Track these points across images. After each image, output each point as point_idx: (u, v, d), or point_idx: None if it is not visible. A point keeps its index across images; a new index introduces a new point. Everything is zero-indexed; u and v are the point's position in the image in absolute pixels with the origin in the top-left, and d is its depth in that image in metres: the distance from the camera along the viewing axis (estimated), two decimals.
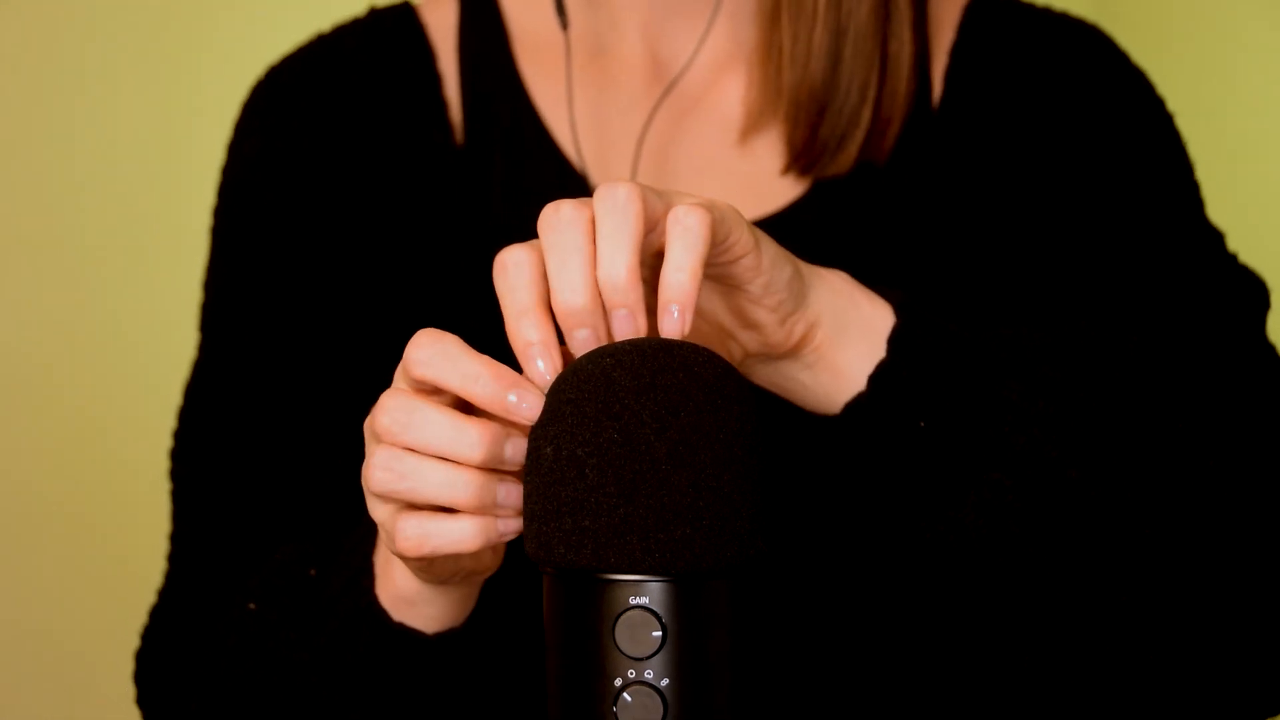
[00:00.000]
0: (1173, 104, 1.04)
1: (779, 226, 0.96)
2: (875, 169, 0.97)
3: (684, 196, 0.72)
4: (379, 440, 0.71)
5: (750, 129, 0.98)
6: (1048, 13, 1.02)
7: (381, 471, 0.71)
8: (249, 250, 0.98)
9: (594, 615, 0.65)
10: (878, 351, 0.80)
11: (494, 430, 0.69)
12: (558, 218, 0.70)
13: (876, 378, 0.79)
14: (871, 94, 0.95)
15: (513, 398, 0.68)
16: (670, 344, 0.68)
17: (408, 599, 0.80)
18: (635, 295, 0.69)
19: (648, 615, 0.64)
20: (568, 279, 0.69)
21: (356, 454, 0.95)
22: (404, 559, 0.74)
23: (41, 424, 1.88)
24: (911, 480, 0.82)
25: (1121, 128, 0.98)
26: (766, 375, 0.82)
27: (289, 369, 0.96)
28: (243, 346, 0.97)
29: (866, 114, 0.95)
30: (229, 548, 0.94)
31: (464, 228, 0.97)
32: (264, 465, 0.95)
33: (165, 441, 1.00)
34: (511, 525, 0.70)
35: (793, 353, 0.79)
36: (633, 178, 0.96)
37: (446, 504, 0.70)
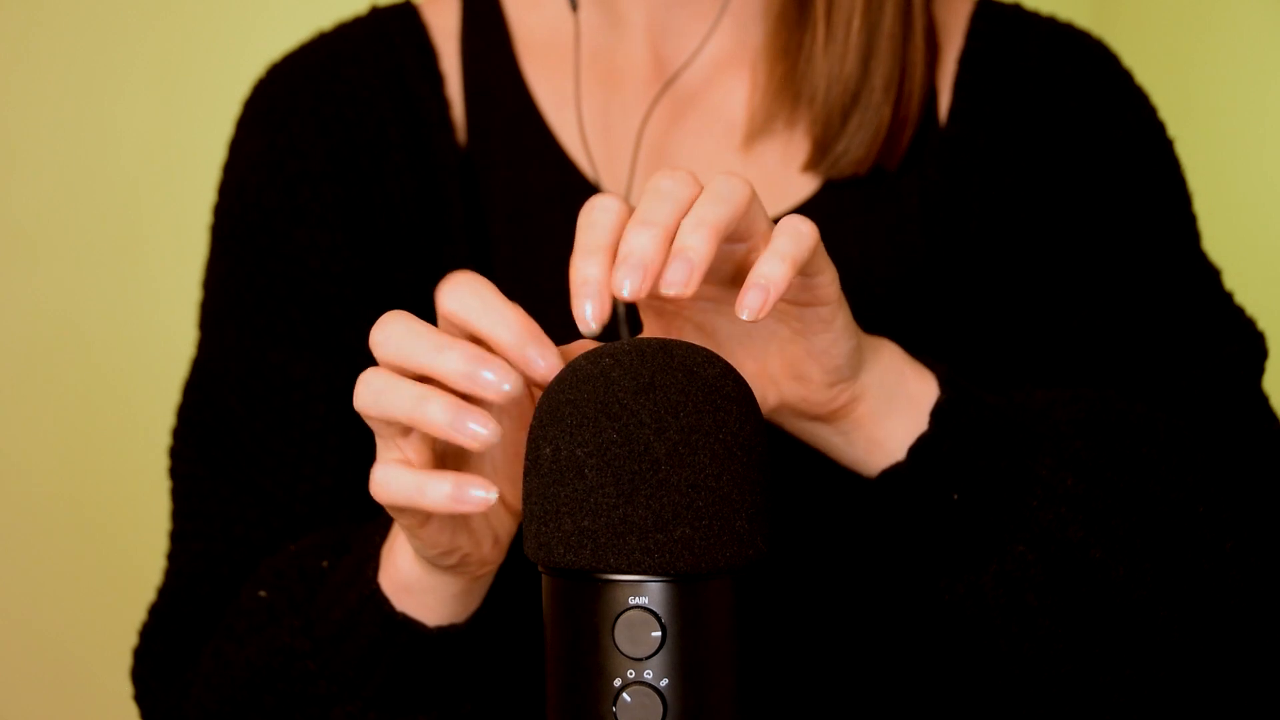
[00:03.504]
0: (1172, 103, 1.04)
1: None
2: (885, 173, 0.97)
3: (787, 219, 0.72)
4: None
5: (754, 129, 0.98)
6: (1054, 25, 1.02)
7: (362, 387, 0.71)
8: (249, 249, 0.97)
9: (593, 615, 0.65)
10: (919, 424, 0.80)
11: (475, 352, 0.68)
12: (662, 183, 0.71)
13: (917, 450, 0.80)
14: (892, 95, 0.96)
15: (532, 352, 0.68)
16: (670, 344, 0.68)
17: (408, 585, 0.80)
18: (705, 250, 0.68)
19: (647, 615, 0.64)
20: (648, 216, 0.69)
21: (356, 451, 0.95)
22: (404, 530, 0.74)
23: (41, 422, 1.88)
24: (936, 544, 0.83)
25: (1123, 155, 0.98)
26: (798, 428, 0.82)
27: (288, 367, 0.96)
28: (242, 345, 0.97)
29: (886, 114, 0.95)
30: (229, 546, 0.94)
31: (465, 227, 0.97)
32: (264, 463, 0.95)
33: (166, 440, 1.00)
34: (473, 494, 0.69)
35: (829, 418, 0.80)
36: (631, 175, 0.96)
37: (416, 422, 0.69)
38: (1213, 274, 0.99)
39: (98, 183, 1.90)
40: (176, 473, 0.98)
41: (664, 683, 0.64)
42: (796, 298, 0.74)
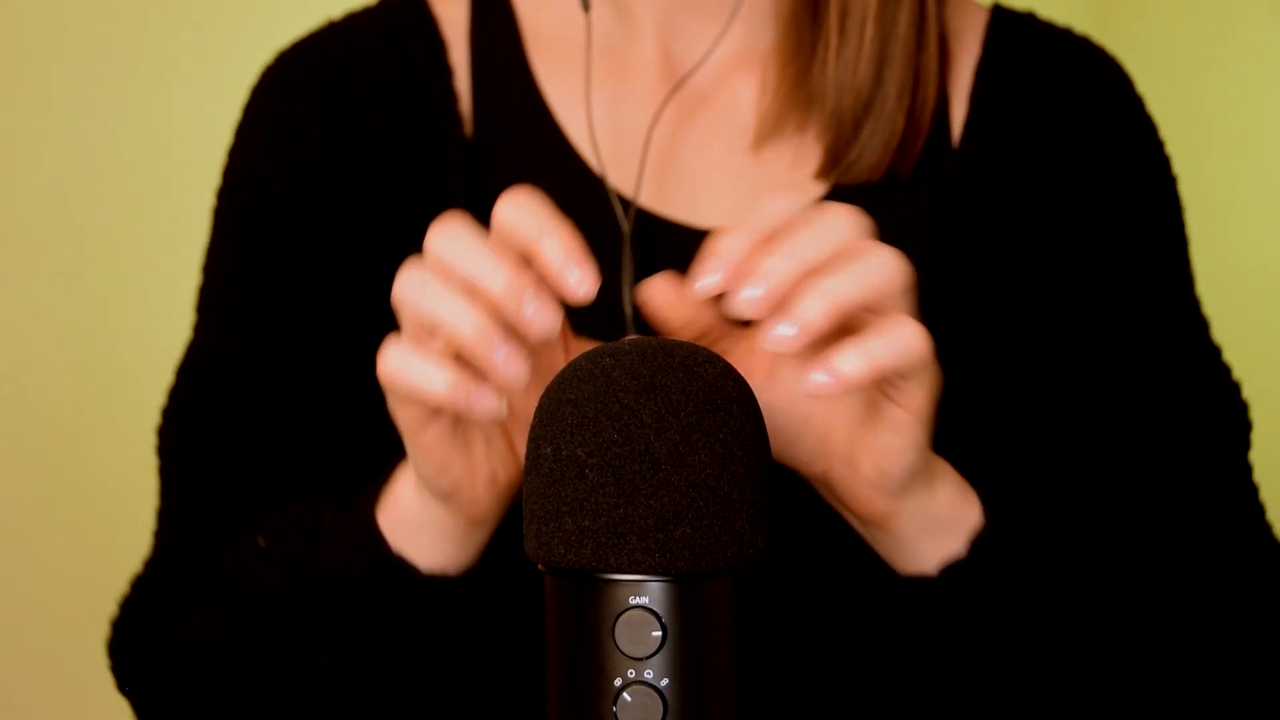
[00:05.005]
0: (1172, 104, 1.04)
1: None
2: (896, 180, 0.97)
3: (908, 320, 0.72)
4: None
5: (763, 132, 0.98)
6: (1070, 39, 1.02)
7: (403, 281, 0.72)
8: (251, 234, 0.97)
9: (594, 615, 0.65)
10: (954, 545, 0.81)
11: (526, 277, 0.69)
12: (830, 220, 0.72)
13: (949, 571, 0.81)
14: (906, 102, 0.95)
15: (574, 271, 0.69)
16: (670, 344, 0.68)
17: (404, 519, 0.80)
18: (819, 324, 0.69)
19: (648, 615, 0.64)
20: (798, 251, 0.70)
21: (348, 438, 0.95)
22: (405, 431, 0.75)
23: (40, 421, 1.88)
24: (941, 635, 0.84)
25: (1127, 190, 0.98)
26: (831, 500, 0.82)
27: (284, 351, 0.95)
28: (238, 328, 0.96)
29: (900, 122, 0.95)
30: (216, 521, 0.94)
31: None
32: (254, 445, 0.95)
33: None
34: (488, 401, 0.70)
35: (861, 517, 0.80)
36: (640, 174, 0.96)
37: (447, 329, 0.70)
38: (1203, 325, 0.99)
39: (93, 181, 1.90)
40: (166, 452, 0.98)
41: (664, 682, 0.64)
42: (883, 387, 0.74)
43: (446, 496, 0.77)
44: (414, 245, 0.97)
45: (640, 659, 0.64)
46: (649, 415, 0.65)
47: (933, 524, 0.80)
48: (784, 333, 0.68)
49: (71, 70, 1.87)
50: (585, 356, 0.68)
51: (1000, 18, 1.02)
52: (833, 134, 0.96)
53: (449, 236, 0.72)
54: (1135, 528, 0.89)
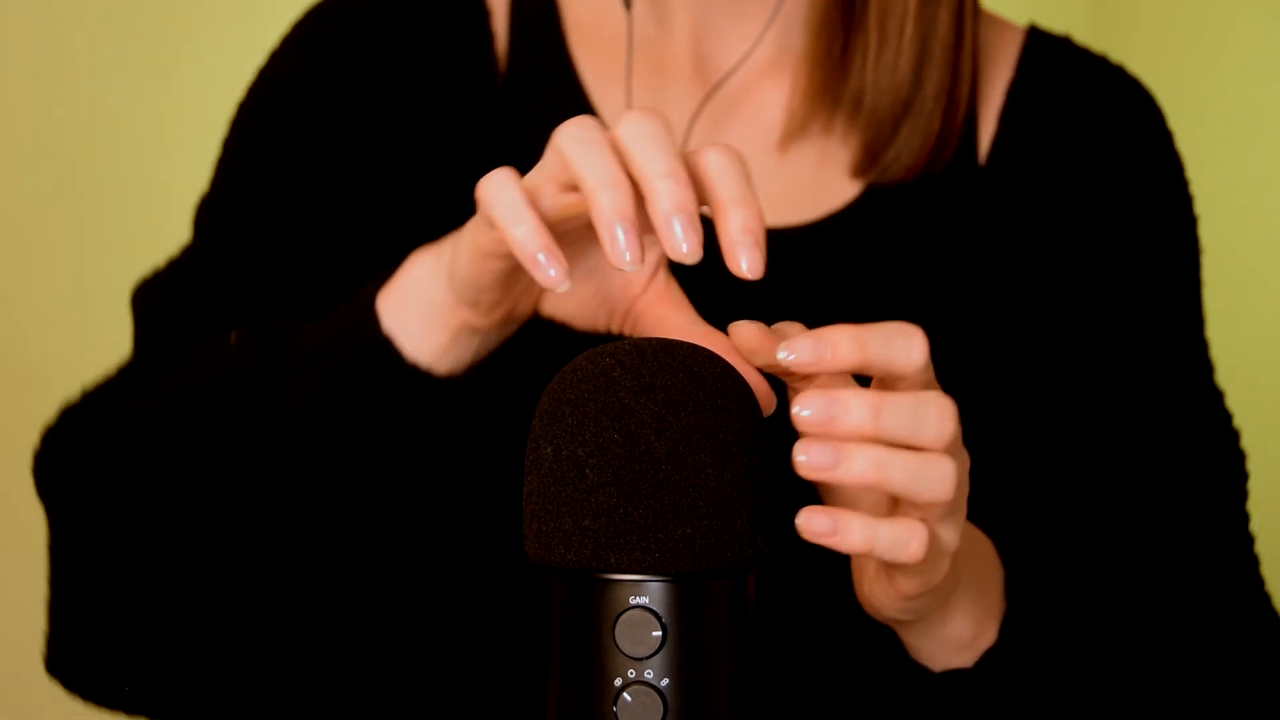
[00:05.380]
0: (1171, 104, 1.04)
1: (829, 230, 0.96)
2: (929, 183, 0.97)
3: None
4: None
5: (790, 132, 0.98)
6: (1106, 68, 1.02)
7: (568, 133, 0.68)
8: (269, 150, 0.97)
9: (594, 615, 0.65)
10: (961, 658, 0.81)
11: (694, 196, 0.65)
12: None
13: (950, 677, 0.81)
14: (943, 102, 0.95)
15: (682, 224, 0.65)
16: (670, 344, 0.68)
17: (408, 295, 0.77)
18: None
19: (648, 615, 0.64)
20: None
21: None
22: (472, 239, 0.72)
23: (39, 421, 1.88)
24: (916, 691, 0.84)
25: (1149, 229, 0.99)
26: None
27: (283, 273, 0.94)
28: (242, 241, 0.95)
29: (937, 122, 0.95)
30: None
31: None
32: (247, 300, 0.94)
33: None
34: (553, 271, 0.67)
35: (870, 614, 0.80)
36: None
37: (588, 185, 0.66)
38: (1208, 370, 1.00)
39: (91, 180, 1.90)
40: (145, 300, 0.96)
41: (664, 682, 0.64)
42: (902, 500, 0.71)
43: (464, 298, 0.75)
44: (433, 187, 0.96)
45: (640, 659, 0.64)
46: (649, 415, 0.65)
47: (944, 645, 0.81)
48: (819, 459, 0.66)
49: (72, 70, 1.88)
50: (585, 356, 0.68)
51: (1036, 40, 1.02)
52: (871, 134, 0.96)
53: (634, 124, 0.67)
54: (1131, 609, 0.89)
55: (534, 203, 0.69)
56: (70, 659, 0.88)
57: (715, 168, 0.67)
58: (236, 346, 0.83)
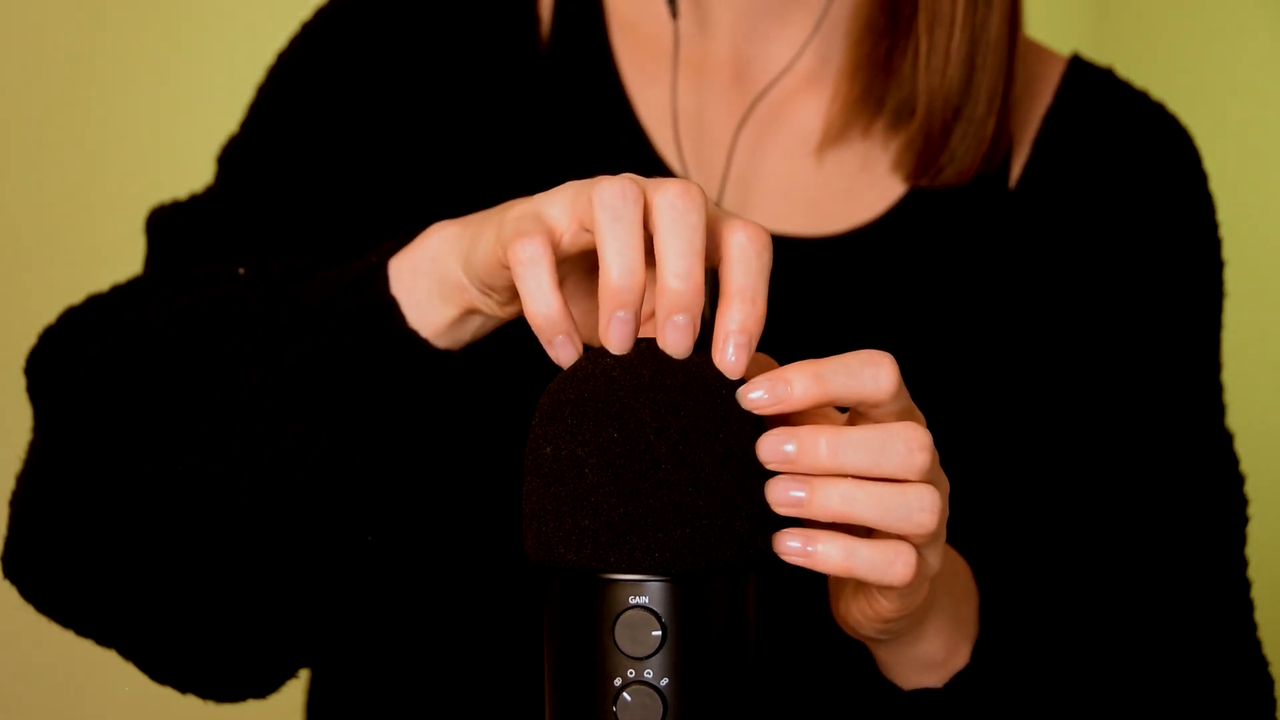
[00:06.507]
0: (1171, 104, 1.04)
1: (861, 241, 0.96)
2: (971, 189, 0.97)
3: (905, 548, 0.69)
4: None
5: (829, 137, 0.98)
6: (1145, 104, 1.02)
7: (608, 191, 0.66)
8: (302, 103, 0.97)
9: (594, 615, 0.65)
10: (932, 678, 0.81)
11: (641, 286, 0.65)
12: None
13: (919, 696, 0.81)
14: (996, 104, 0.95)
15: (681, 318, 0.65)
16: None
17: (420, 262, 0.76)
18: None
19: (647, 615, 0.64)
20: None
21: None
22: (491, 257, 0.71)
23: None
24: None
25: (1176, 269, 0.99)
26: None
27: (300, 223, 0.94)
28: (263, 186, 0.95)
29: (991, 123, 0.95)
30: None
31: (523, 157, 0.97)
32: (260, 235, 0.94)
33: None
34: (565, 352, 0.67)
35: (843, 629, 0.79)
36: (723, 184, 0.97)
37: (608, 258, 0.65)
38: (1219, 412, 0.99)
39: (91, 179, 1.90)
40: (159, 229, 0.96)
41: (664, 682, 0.64)
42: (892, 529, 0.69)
43: (475, 285, 0.75)
44: (461, 157, 0.96)
45: (640, 659, 0.64)
46: (649, 415, 0.65)
47: (916, 664, 0.81)
48: (796, 494, 0.66)
49: (70, 71, 1.88)
50: (586, 356, 0.68)
51: (1077, 69, 1.02)
52: (921, 140, 0.96)
53: (671, 206, 0.66)
54: (1111, 642, 0.89)
55: (557, 277, 0.67)
56: (26, 563, 0.84)
57: (738, 249, 0.66)
58: (243, 280, 0.83)
